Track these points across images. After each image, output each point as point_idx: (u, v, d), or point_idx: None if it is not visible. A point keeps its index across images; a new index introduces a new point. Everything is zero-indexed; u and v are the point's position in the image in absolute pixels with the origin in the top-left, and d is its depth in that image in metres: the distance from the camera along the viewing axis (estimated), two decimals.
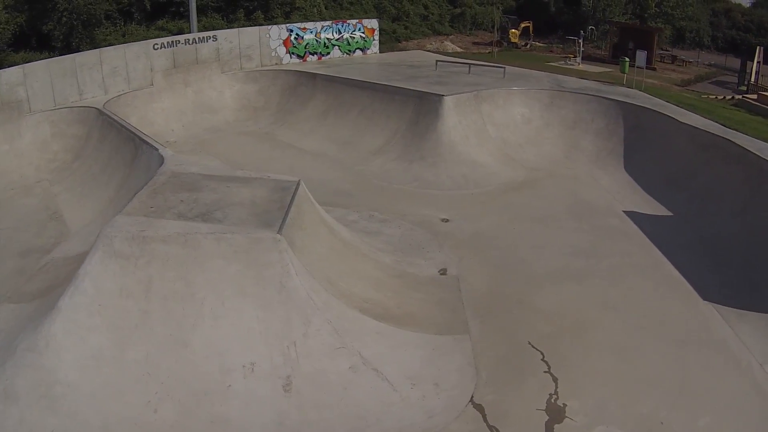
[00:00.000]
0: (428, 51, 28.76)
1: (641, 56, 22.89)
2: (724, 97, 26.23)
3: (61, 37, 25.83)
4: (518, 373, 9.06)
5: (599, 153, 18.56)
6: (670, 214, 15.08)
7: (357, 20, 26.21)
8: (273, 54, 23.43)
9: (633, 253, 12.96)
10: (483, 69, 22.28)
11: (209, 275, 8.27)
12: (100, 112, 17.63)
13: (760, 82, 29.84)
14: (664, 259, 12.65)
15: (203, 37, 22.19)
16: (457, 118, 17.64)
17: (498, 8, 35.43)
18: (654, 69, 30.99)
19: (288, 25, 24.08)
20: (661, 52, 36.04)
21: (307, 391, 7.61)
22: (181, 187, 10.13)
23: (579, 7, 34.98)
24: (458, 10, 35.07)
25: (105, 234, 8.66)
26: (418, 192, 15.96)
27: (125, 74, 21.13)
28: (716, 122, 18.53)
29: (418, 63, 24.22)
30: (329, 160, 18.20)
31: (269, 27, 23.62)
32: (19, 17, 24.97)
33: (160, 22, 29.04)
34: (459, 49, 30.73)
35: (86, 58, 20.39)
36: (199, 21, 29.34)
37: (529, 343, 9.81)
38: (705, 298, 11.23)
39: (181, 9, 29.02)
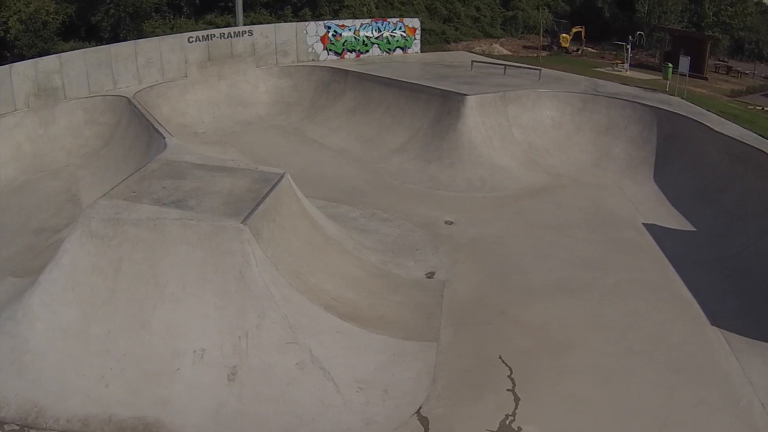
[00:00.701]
0: (473, 53, 28.35)
1: (684, 62, 21.66)
2: (763, 108, 24.44)
3: (109, 28, 27.08)
4: (477, 389, 8.45)
5: (630, 161, 17.63)
6: (694, 229, 14.11)
7: (398, 18, 26.13)
8: (310, 50, 23.66)
9: (644, 269, 12.17)
10: (519, 71, 21.67)
11: (174, 259, 8.41)
12: (129, 101, 18.46)
13: None
14: (677, 278, 11.79)
15: (239, 32, 22.75)
16: (480, 119, 17.16)
17: (546, 11, 34.46)
18: (706, 78, 29.28)
19: (326, 21, 24.36)
20: (717, 62, 34.29)
21: (251, 382, 7.59)
22: (168, 175, 10.36)
23: (634, 13, 33.54)
24: (510, 13, 34.35)
25: (85, 215, 9.07)
26: (430, 192, 15.66)
27: (159, 66, 21.93)
28: (755, 133, 17.30)
29: (457, 63, 23.75)
30: (350, 157, 18.21)
31: (306, 23, 23.91)
32: (69, 8, 26.34)
33: (209, 17, 29.89)
34: (507, 52, 30.03)
35: (122, 49, 21.15)
36: (247, 16, 30.12)
37: (500, 358, 9.23)
38: (714, 324, 10.28)
39: (230, 4, 29.70)
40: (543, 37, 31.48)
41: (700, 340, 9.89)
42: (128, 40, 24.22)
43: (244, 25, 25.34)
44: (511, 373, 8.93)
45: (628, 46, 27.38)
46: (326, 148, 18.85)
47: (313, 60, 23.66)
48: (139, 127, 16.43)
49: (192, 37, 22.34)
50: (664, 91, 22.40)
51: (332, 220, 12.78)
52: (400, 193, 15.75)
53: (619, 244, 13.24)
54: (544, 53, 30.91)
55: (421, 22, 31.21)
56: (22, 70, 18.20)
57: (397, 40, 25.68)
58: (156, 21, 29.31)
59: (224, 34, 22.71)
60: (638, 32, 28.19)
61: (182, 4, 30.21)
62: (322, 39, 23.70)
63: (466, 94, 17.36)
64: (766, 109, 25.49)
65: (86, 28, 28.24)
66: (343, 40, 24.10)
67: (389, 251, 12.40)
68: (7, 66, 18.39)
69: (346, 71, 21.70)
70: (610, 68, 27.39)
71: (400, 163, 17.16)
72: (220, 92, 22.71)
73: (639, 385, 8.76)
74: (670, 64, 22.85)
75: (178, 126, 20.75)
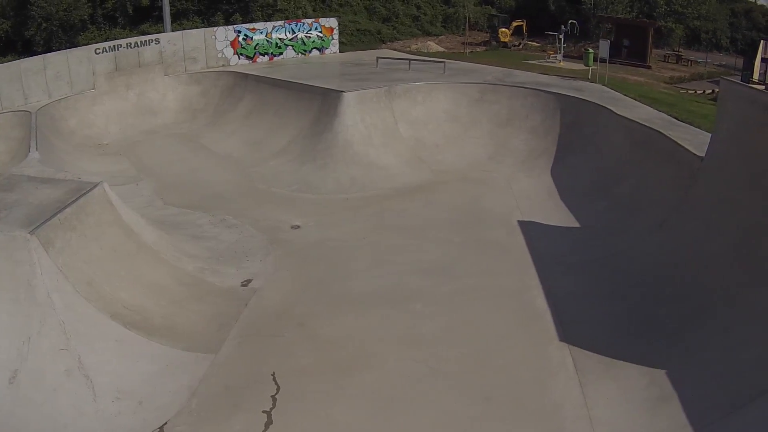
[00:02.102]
0: (400, 51, 27.02)
1: (604, 47, 20.23)
2: (704, 92, 22.84)
3: (42, 42, 26.59)
4: (232, 408, 7.28)
5: (530, 153, 15.97)
6: (578, 226, 12.10)
7: (313, 19, 24.66)
8: (220, 56, 22.17)
9: (499, 274, 10.24)
10: (425, 65, 20.18)
11: None
12: (33, 115, 17.70)
13: None
14: (537, 284, 9.85)
15: (146, 41, 21.66)
16: (359, 116, 15.29)
17: (489, 7, 33.10)
18: (649, 67, 27.62)
19: (236, 26, 23.16)
20: (668, 52, 32.83)
21: (25, 386, 7.42)
22: (1, 188, 9.95)
23: (580, 4, 32.05)
24: (452, 10, 33.09)
25: None
26: (293, 196, 14.04)
27: (68, 78, 20.93)
28: (669, 115, 15.85)
29: (370, 61, 21.99)
30: (232, 162, 16.83)
31: (215, 28, 22.39)
32: (5, 23, 25.97)
33: (143, 26, 29.19)
34: (442, 50, 28.61)
35: (31, 63, 20.07)
36: (179, 24, 29.22)
37: (272, 375, 7.78)
38: (564, 339, 8.32)
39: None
40: (466, 30, 30.19)
41: (536, 360, 7.94)
42: None
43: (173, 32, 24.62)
44: (276, 393, 7.47)
45: (561, 37, 25.88)
46: (213, 154, 17.60)
47: (223, 65, 22.32)
48: (32, 143, 15.78)
49: (99, 49, 21.34)
50: (586, 79, 21.03)
51: (166, 228, 11.99)
52: (262, 197, 14.32)
53: (480, 245, 11.28)
54: (481, 48, 29.61)
55: (356, 23, 30.25)
56: None
57: (313, 41, 23.95)
58: (92, 32, 28.68)
59: (131, 43, 21.67)
60: (570, 21, 26.67)
61: (117, 15, 29.58)
62: (233, 43, 22.43)
63: (342, 91, 15.69)
64: (698, 92, 23.95)
65: (22, 43, 27.78)
66: (254, 44, 22.69)
67: (215, 258, 11.22)
68: None
69: (246, 75, 20.61)
70: (543, 60, 26.00)
71: (276, 166, 15.74)
72: (129, 102, 21.65)
73: (427, 417, 6.95)
74: (591, 50, 21.33)
75: (84, 137, 19.85)
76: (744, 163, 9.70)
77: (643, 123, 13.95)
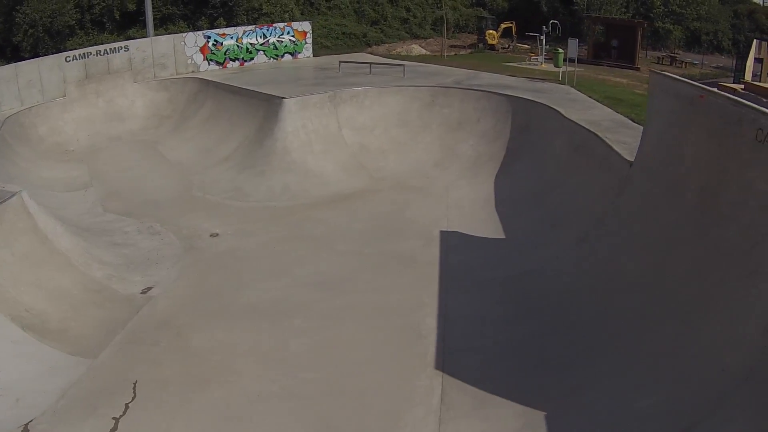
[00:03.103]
0: (374, 55, 26.46)
1: (572, 47, 19.38)
2: None
3: (29, 48, 27.07)
4: (88, 411, 7.24)
5: (478, 159, 15.36)
6: (503, 238, 11.47)
7: (286, 23, 24.43)
8: (189, 62, 22.03)
9: (397, 290, 9.66)
10: (386, 69, 19.69)
11: None
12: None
13: (765, 76, 24.66)
14: (434, 301, 9.25)
15: (115, 48, 21.72)
16: (299, 123, 14.87)
17: (481, 9, 32.29)
18: (637, 68, 26.47)
19: (206, 31, 23.04)
20: (663, 54, 31.58)
21: None
22: None
23: (572, 5, 31.01)
24: (441, 12, 32.46)
25: None
26: (223, 203, 13.73)
27: (40, 86, 21.15)
28: (626, 116, 15.02)
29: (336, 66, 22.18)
30: (180, 169, 16.58)
31: (185, 34, 22.32)
32: None
33: (130, 31, 29.46)
34: (426, 52, 28.09)
35: (3, 72, 20.26)
36: (165, 29, 29.27)
37: (134, 384, 7.71)
38: (441, 367, 7.67)
39: None
40: (445, 32, 29.49)
41: (399, 389, 7.32)
42: None
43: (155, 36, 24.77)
44: (131, 401, 7.39)
45: (542, 38, 24.99)
46: (165, 161, 17.42)
47: (193, 71, 22.17)
48: None
49: (69, 57, 21.51)
50: (557, 80, 20.25)
51: (93, 235, 12.26)
52: (195, 204, 14.03)
53: (389, 258, 10.72)
54: (467, 51, 28.92)
55: (343, 26, 29.92)
56: None
57: (286, 46, 23.66)
58: (80, 38, 29.03)
59: (100, 51, 21.79)
60: (551, 21, 25.74)
61: (104, 21, 29.89)
62: (202, 49, 22.31)
63: (283, 98, 15.38)
64: None
65: (11, 49, 28.36)
66: (224, 49, 22.54)
67: (126, 265, 11.22)
68: None
69: (209, 82, 20.47)
70: (523, 62, 25.18)
71: (218, 174, 15.37)
72: (98, 109, 21.74)
73: None
74: (561, 51, 20.48)
75: (53, 144, 20.00)
76: (668, 167, 9.01)
77: (586, 126, 13.17)
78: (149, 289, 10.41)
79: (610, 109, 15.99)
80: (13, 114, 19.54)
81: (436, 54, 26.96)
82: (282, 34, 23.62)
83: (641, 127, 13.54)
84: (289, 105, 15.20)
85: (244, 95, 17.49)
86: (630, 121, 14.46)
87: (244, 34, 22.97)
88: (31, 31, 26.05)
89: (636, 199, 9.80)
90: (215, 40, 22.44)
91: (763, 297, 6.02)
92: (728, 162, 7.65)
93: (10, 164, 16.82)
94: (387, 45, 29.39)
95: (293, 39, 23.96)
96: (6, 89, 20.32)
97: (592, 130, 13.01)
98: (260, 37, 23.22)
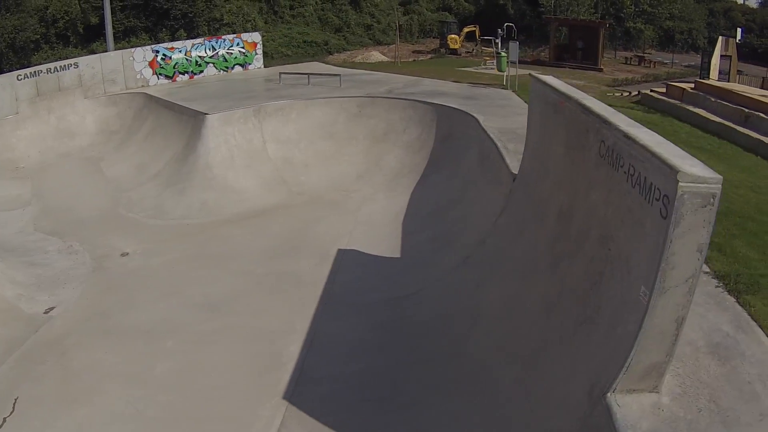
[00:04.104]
0: (335, 63, 26.77)
1: (513, 49, 19.51)
2: (630, 93, 21.85)
3: None
4: None
5: (400, 171, 15.61)
6: (397, 257, 11.55)
7: (235, 35, 24.74)
8: (138, 76, 22.50)
9: (274, 312, 9.79)
10: (323, 79, 20.03)
11: None
12: None
13: (733, 74, 24.69)
14: (306, 327, 9.29)
15: (65, 65, 22.17)
16: (222, 138, 15.23)
17: (447, 14, 32.39)
18: (600, 69, 26.58)
19: (154, 46, 23.50)
20: (630, 53, 31.61)
21: None
22: None
23: (537, 7, 31.12)
24: (406, 17, 32.63)
25: None
26: (143, 222, 14.04)
27: None
28: None
29: (287, 77, 22.44)
30: (114, 186, 16.73)
31: (133, 49, 22.91)
32: None
33: (94, 45, 30.04)
34: (386, 59, 28.39)
35: None
36: (128, 41, 29.89)
37: (14, 401, 8.03)
38: (288, 398, 7.64)
39: (113, 30, 29.85)
40: (396, 37, 29.71)
41: (235, 420, 7.45)
42: None
43: (116, 49, 25.27)
44: (9, 415, 7.72)
45: (497, 41, 25.14)
46: (102, 178, 17.72)
47: (142, 86, 22.66)
48: None
49: (20, 75, 22.00)
50: (501, 85, 20.41)
51: (15, 254, 12.69)
52: (116, 223, 14.35)
53: (278, 278, 10.93)
54: (426, 57, 29.09)
55: (305, 34, 30.19)
56: None
57: (236, 57, 24.07)
58: (45, 52, 29.66)
59: (51, 69, 22.25)
60: (506, 24, 25.85)
61: (69, 35, 30.47)
62: (151, 64, 22.73)
63: (206, 113, 15.77)
64: (624, 94, 22.93)
65: None
66: (173, 63, 22.96)
67: (38, 285, 11.48)
68: None
69: (151, 97, 20.88)
70: (479, 66, 25.32)
71: (146, 191, 15.68)
72: (50, 125, 22.21)
73: None
74: (504, 54, 20.61)
75: (5, 161, 20.57)
76: (537, 185, 8.51)
77: (499, 134, 13.21)
78: (52, 308, 10.67)
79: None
80: None
81: (402, 60, 27.15)
82: (231, 46, 23.95)
83: None
84: (212, 121, 15.53)
85: (177, 111, 17.80)
86: None
87: (192, 47, 23.31)
88: None
89: (511, 219, 9.54)
90: (164, 54, 22.80)
91: (593, 350, 5.45)
92: (578, 181, 6.88)
93: None
94: (349, 52, 29.66)
95: (243, 50, 24.26)
96: None
97: (502, 138, 13.05)
98: (209, 49, 23.56)
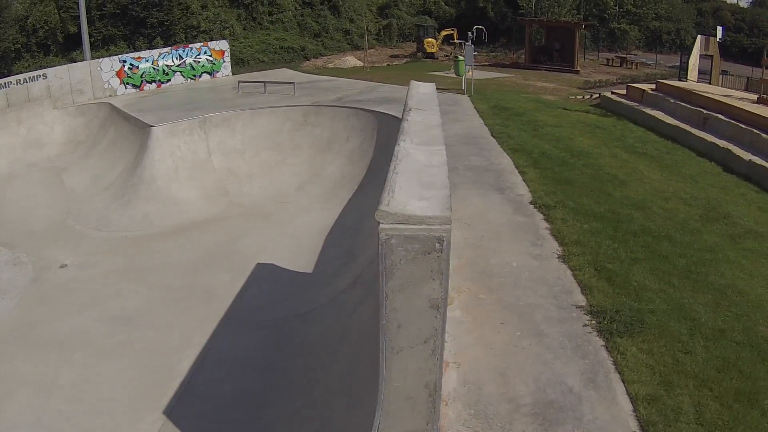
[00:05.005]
0: (309, 70, 27.19)
1: (468, 52, 19.74)
2: (591, 96, 21.94)
3: None
4: None
5: (340, 181, 16.04)
6: (309, 272, 11.88)
7: (202, 43, 25.43)
8: (106, 86, 23.22)
9: (177, 327, 10.16)
10: (280, 87, 20.51)
11: None
12: None
13: (715, 73, 24.64)
14: (202, 342, 9.64)
15: (34, 76, 22.90)
16: (168, 150, 15.86)
17: (427, 18, 32.59)
18: (577, 71, 26.64)
19: (121, 56, 24.16)
20: (613, 55, 31.59)
21: None
22: None
23: (517, 9, 31.24)
24: (385, 22, 32.90)
25: None
26: (87, 233, 14.63)
27: None
28: (488, 128, 15.55)
29: (250, 85, 22.85)
30: (70, 197, 17.31)
31: (101, 60, 23.64)
32: None
33: (73, 54, 30.86)
34: (360, 64, 28.77)
35: None
36: (107, 50, 30.62)
37: None
38: (166, 412, 8.05)
39: (91, 39, 30.56)
40: (366, 40, 29.99)
41: (91, 429, 7.93)
42: None
43: (94, 58, 25.97)
44: None
45: (468, 44, 25.33)
46: (61, 189, 18.33)
47: (110, 95, 23.38)
48: None
49: None
50: (459, 90, 20.68)
51: None
52: (63, 234, 14.85)
53: (191, 293, 11.37)
54: (402, 61, 29.38)
55: (282, 40, 30.65)
56: None
57: (203, 66, 24.72)
58: (26, 61, 30.55)
59: (20, 80, 23.03)
60: (476, 27, 25.99)
61: (49, 44, 31.30)
62: (118, 73, 23.44)
63: (152, 126, 16.41)
64: (587, 98, 23.04)
65: None
66: (141, 72, 23.67)
67: None
68: None
69: (114, 107, 21.51)
70: (449, 70, 25.56)
71: (96, 203, 16.33)
72: (19, 136, 22.92)
73: None
74: (462, 57, 20.79)
75: None
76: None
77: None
78: None
79: (480, 121, 16.42)
80: None
81: (376, 65, 27.52)
82: (199, 55, 24.47)
83: (485, 141, 14.06)
84: (157, 133, 16.02)
85: (132, 122, 18.35)
86: (486, 134, 14.89)
87: (159, 56, 23.89)
88: None
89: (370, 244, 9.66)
90: (131, 64, 23.41)
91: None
92: None
93: None
94: (326, 57, 30.09)
95: (211, 59, 24.78)
96: None
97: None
98: (176, 58, 24.12)
